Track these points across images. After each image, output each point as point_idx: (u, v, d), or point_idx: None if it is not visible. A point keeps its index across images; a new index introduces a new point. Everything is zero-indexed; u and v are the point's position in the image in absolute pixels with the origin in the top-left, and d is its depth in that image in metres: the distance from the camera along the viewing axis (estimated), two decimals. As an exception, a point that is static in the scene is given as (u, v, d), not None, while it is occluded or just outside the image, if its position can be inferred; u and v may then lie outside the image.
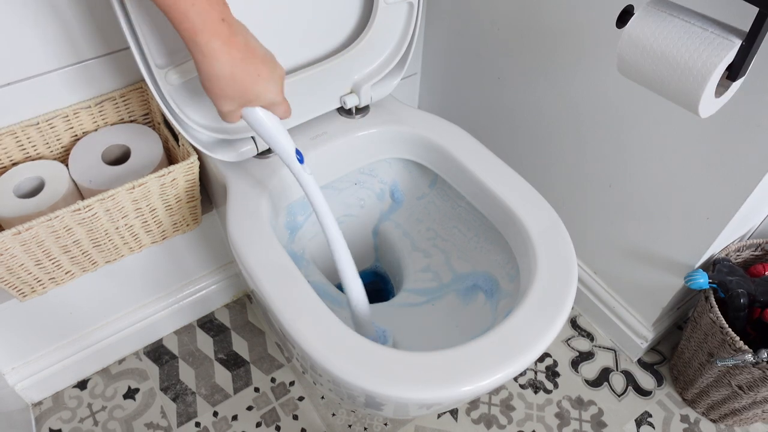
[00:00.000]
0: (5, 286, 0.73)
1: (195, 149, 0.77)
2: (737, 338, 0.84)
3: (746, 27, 0.53)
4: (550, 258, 0.67)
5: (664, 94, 0.60)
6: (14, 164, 0.79)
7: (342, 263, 0.71)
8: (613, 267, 1.06)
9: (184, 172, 0.77)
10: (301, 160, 0.67)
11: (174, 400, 1.05)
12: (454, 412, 1.04)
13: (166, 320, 1.10)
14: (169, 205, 0.81)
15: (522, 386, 1.08)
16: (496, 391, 1.07)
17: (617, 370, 1.10)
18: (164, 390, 1.06)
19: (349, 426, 1.02)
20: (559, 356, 1.12)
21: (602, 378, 1.09)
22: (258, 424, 1.02)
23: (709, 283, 0.87)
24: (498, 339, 0.60)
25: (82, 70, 0.78)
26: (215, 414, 1.03)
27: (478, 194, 0.79)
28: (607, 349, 1.13)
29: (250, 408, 1.04)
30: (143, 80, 0.80)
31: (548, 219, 0.71)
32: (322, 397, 1.05)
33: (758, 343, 0.90)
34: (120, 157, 0.84)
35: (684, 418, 1.04)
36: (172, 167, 0.75)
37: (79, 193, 0.80)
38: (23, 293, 0.76)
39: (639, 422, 1.03)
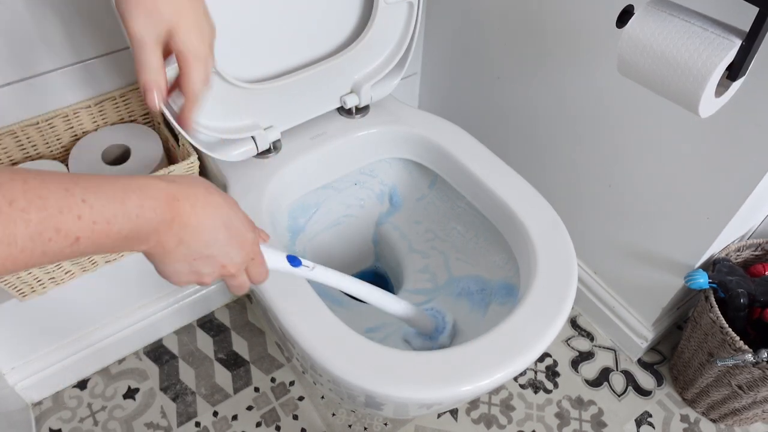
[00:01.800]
0: (5, 286, 0.73)
1: (195, 149, 0.77)
2: (737, 338, 0.84)
3: (746, 27, 0.53)
4: (550, 258, 0.67)
5: (664, 94, 0.60)
6: (14, 164, 0.79)
7: (379, 303, 0.67)
8: (613, 267, 1.06)
9: (184, 171, 0.77)
10: (297, 263, 0.56)
11: (174, 399, 1.05)
12: (454, 412, 1.04)
13: (166, 320, 1.10)
14: (169, 205, 0.81)
15: (522, 386, 1.08)
16: (496, 391, 1.07)
17: (617, 369, 1.10)
18: (164, 390, 1.06)
19: (349, 426, 1.02)
20: (559, 356, 1.12)
21: (602, 378, 1.09)
22: (258, 424, 1.02)
23: (709, 283, 0.87)
24: (498, 339, 0.60)
25: (82, 69, 0.78)
26: (215, 414, 1.03)
27: (478, 194, 0.79)
28: (607, 348, 1.13)
29: (250, 408, 1.04)
30: (143, 80, 0.80)
31: (548, 219, 0.71)
32: (322, 397, 1.05)
33: (758, 343, 0.90)
34: (120, 157, 0.84)
35: (684, 418, 1.04)
36: (172, 167, 0.75)
37: (79, 193, 0.80)
38: (23, 293, 0.76)
39: (639, 422, 1.03)
